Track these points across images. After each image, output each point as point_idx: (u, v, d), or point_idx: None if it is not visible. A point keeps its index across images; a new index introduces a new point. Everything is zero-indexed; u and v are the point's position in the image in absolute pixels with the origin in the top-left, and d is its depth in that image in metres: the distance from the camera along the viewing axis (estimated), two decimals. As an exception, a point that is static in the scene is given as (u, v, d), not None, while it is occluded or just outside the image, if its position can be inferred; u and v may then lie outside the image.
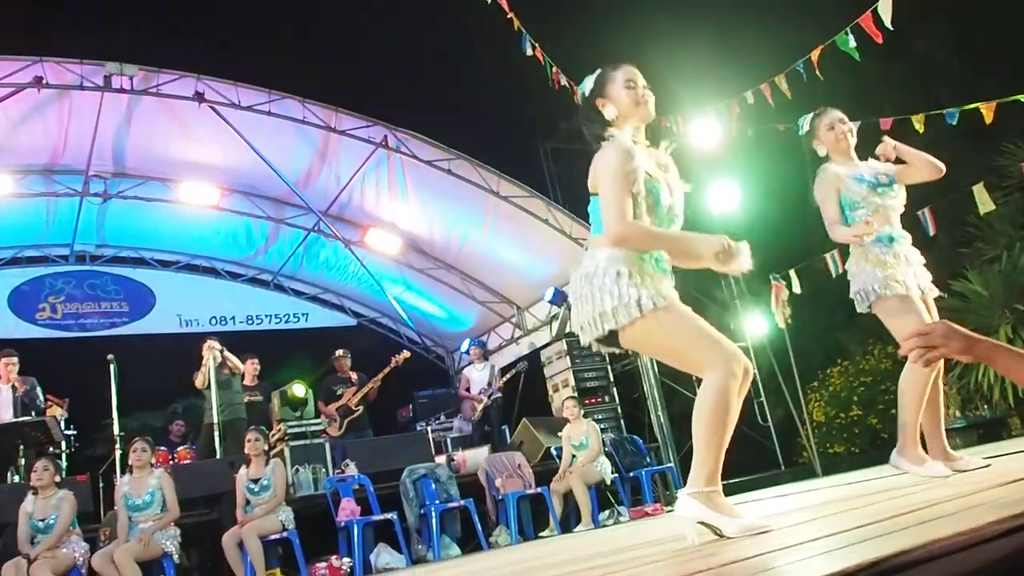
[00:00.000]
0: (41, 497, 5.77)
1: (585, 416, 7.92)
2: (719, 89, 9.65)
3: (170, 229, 11.39)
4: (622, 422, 10.02)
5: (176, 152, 10.21)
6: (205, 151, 10.21)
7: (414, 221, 11.44)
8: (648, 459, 8.42)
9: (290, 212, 11.38)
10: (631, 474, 8.07)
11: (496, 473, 7.54)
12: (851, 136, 3.95)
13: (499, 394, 9.62)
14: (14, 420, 7.12)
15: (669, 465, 8.67)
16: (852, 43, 7.35)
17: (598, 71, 2.80)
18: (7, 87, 8.37)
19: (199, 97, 9.13)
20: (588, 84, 2.81)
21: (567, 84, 9.62)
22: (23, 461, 6.79)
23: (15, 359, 7.53)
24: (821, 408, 10.56)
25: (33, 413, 7.36)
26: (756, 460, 9.91)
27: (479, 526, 7.16)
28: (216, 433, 7.95)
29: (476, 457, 8.04)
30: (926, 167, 3.85)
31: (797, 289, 8.65)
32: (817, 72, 7.87)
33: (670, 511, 7.57)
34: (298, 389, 9.50)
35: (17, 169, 9.79)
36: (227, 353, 8.38)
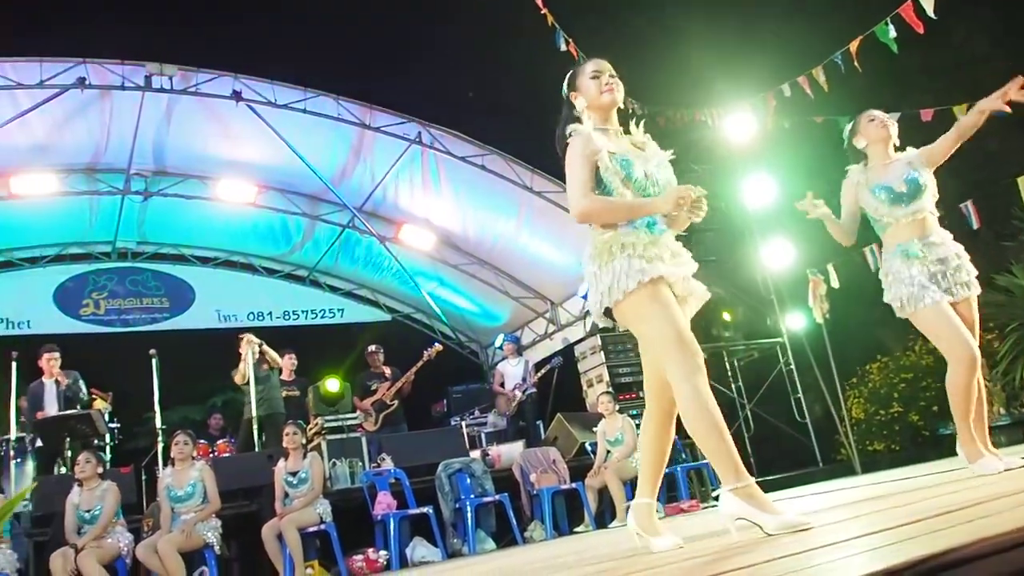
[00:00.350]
0: (86, 488, 5.91)
1: (620, 411, 7.90)
2: (755, 82, 9.57)
3: (209, 226, 11.58)
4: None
5: (214, 150, 10.37)
6: (242, 149, 10.36)
7: (448, 217, 11.48)
8: (683, 455, 8.37)
9: (325, 209, 11.50)
10: (666, 470, 8.02)
11: (531, 468, 7.55)
12: (892, 126, 3.95)
13: (533, 389, 9.62)
14: (60, 413, 7.29)
15: (705, 461, 8.60)
16: (892, 33, 7.23)
17: (574, 68, 2.94)
18: (52, 88, 8.57)
19: (236, 96, 9.27)
20: (565, 82, 2.94)
21: (600, 79, 9.57)
22: (69, 453, 6.95)
23: (57, 354, 7.70)
24: (860, 405, 10.40)
25: (78, 406, 7.53)
26: (793, 457, 9.80)
27: (514, 521, 7.18)
28: (255, 427, 8.07)
29: (511, 452, 8.05)
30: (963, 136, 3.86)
31: (835, 284, 8.53)
32: (856, 63, 7.76)
33: (706, 507, 7.54)
34: (331, 384, 9.60)
35: (61, 168, 10.01)
36: (266, 347, 8.47)
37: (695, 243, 9.75)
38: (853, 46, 7.74)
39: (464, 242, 11.87)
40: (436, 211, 11.44)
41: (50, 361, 7.63)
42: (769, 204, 9.81)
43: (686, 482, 7.96)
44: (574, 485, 7.49)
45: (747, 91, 9.47)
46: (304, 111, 9.65)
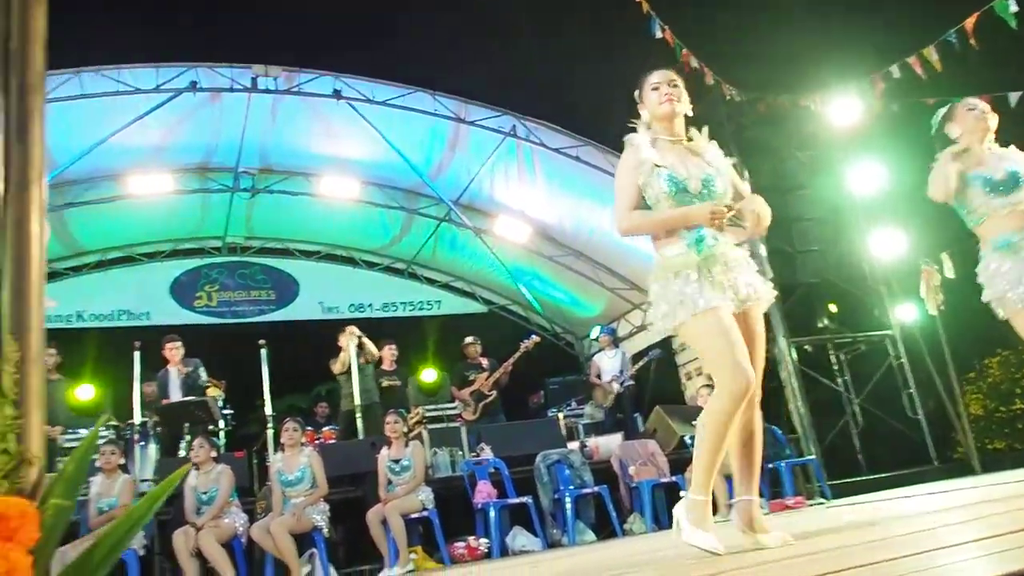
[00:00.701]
0: (202, 472, 6.24)
1: (720, 405, 7.75)
2: (861, 64, 9.21)
3: (312, 221, 11.96)
4: (759, 412, 9.72)
5: (316, 148, 10.71)
6: (343, 146, 10.65)
7: (543, 208, 11.51)
8: (788, 450, 8.16)
9: (423, 202, 11.70)
10: (770, 465, 7.83)
11: (630, 461, 7.50)
12: (991, 120, 3.71)
13: (631, 381, 9.55)
14: (180, 400, 7.72)
15: (811, 457, 8.37)
16: (1013, 8, 6.84)
17: (641, 78, 3.07)
18: (166, 92, 9.01)
19: (337, 94, 9.52)
20: (637, 90, 3.07)
21: (697, 66, 9.42)
22: (188, 437, 7.34)
23: (179, 343, 8.13)
24: (979, 401, 9.88)
25: (196, 393, 7.93)
26: (905, 455, 9.38)
27: (613, 513, 7.16)
28: (358, 416, 8.32)
29: (609, 444, 8.03)
30: None
31: (950, 274, 8.13)
32: (971, 41, 7.37)
33: (813, 504, 7.34)
34: (428, 375, 9.80)
35: (176, 168, 10.53)
36: (365, 339, 8.70)
37: (796, 232, 9.47)
38: (969, 23, 7.36)
39: (559, 233, 11.87)
40: (531, 203, 11.49)
41: (172, 350, 8.07)
42: (877, 191, 9.44)
43: (791, 478, 7.76)
44: (674, 479, 7.40)
45: (853, 74, 9.13)
46: (401, 107, 9.84)
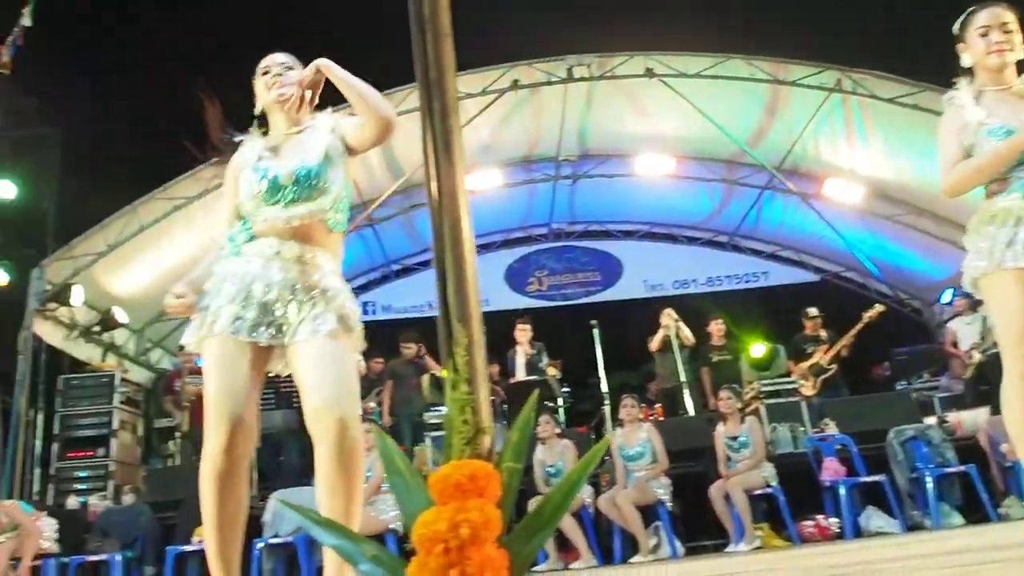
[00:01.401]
0: (548, 447, 6.67)
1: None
2: None
3: (630, 201, 12.21)
4: None
5: (631, 128, 10.88)
6: (657, 123, 10.70)
7: (878, 165, 10.56)
8: None
9: (742, 172, 11.36)
10: None
11: (1002, 437, 6.66)
12: None
13: (995, 349, 8.45)
14: (525, 379, 8.34)
15: None
16: None
17: (968, 11, 2.65)
18: (492, 94, 9.70)
19: (649, 73, 9.56)
20: (957, 23, 2.68)
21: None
22: (533, 415, 7.90)
23: (528, 325, 8.75)
24: None
25: (538, 373, 8.50)
26: None
27: (984, 495, 6.43)
28: (686, 392, 8.39)
29: (974, 419, 7.20)
30: None
31: None
32: None
33: None
34: (755, 350, 9.52)
35: (503, 163, 11.34)
36: (681, 324, 8.77)
37: None
38: None
39: (898, 190, 10.81)
40: (863, 160, 10.59)
41: (521, 331, 8.73)
42: None
43: None
44: (1060, 458, 6.45)
45: None
46: (715, 77, 9.61)
